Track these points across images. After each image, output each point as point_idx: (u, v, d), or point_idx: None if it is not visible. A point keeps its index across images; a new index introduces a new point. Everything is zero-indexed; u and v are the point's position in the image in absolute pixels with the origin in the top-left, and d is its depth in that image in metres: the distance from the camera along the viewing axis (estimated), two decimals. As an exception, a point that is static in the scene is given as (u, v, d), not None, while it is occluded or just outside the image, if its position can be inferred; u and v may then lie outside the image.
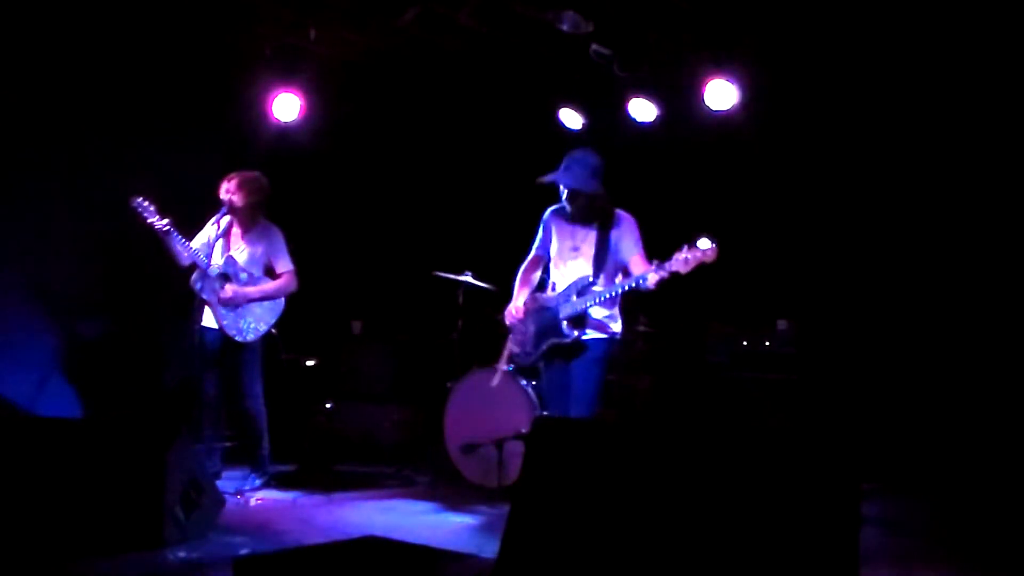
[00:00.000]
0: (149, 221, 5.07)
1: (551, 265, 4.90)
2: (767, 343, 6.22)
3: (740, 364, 6.25)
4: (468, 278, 6.13)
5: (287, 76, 6.12)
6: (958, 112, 5.82)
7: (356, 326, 7.07)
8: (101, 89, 6.11)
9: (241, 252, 5.36)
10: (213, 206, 5.27)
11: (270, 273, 5.43)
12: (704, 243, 4.15)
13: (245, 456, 5.48)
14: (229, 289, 5.20)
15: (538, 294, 4.90)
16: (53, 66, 5.85)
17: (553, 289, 4.83)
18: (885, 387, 5.98)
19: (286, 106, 6.16)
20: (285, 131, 6.39)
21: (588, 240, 4.70)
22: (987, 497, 5.28)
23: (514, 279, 4.99)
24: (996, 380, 5.67)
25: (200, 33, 6.26)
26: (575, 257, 4.72)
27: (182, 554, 3.79)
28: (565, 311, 4.62)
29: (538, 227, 4.95)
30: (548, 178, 4.70)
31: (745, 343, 6.28)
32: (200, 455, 4.51)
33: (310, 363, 6.82)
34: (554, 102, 6.65)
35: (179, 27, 6.15)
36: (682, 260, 4.17)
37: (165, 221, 5.09)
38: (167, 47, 6.32)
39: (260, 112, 6.27)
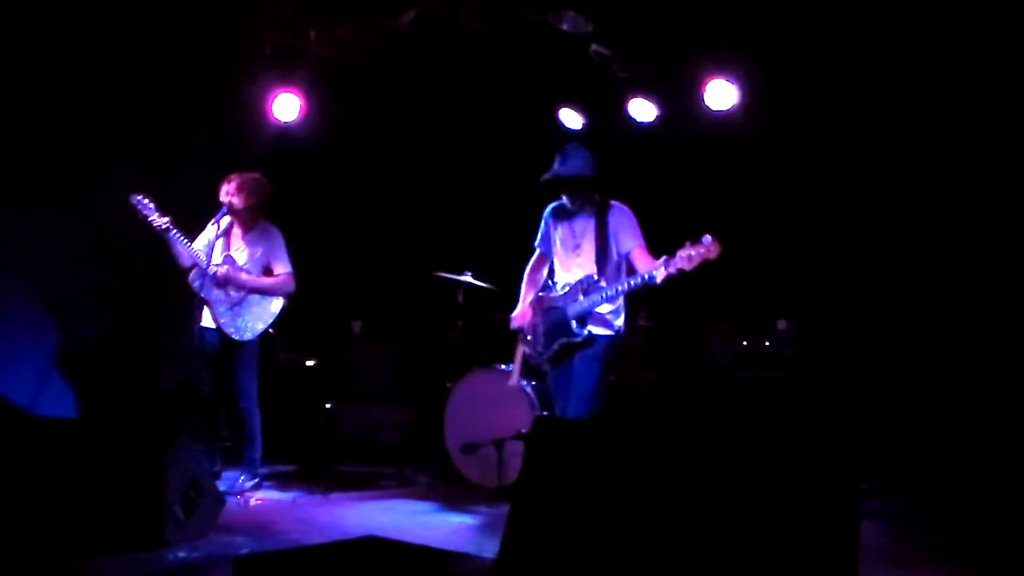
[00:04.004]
0: (149, 219, 5.08)
1: (554, 263, 4.93)
2: (767, 343, 6.22)
3: (740, 364, 6.25)
4: (468, 278, 6.13)
5: (287, 76, 6.12)
6: (958, 112, 5.82)
7: (356, 326, 7.06)
8: (100, 89, 6.10)
9: (240, 252, 5.36)
10: (213, 206, 5.27)
11: (269, 274, 5.43)
12: (706, 239, 4.17)
13: (238, 457, 5.48)
14: (223, 269, 5.19)
15: (543, 294, 4.91)
16: (52, 66, 5.84)
17: (554, 288, 4.84)
18: (885, 387, 5.98)
19: (286, 106, 6.16)
20: (285, 131, 6.39)
21: (588, 236, 4.72)
22: (987, 497, 5.28)
23: (520, 280, 5.02)
24: (996, 379, 5.66)
25: (200, 33, 6.26)
26: (577, 254, 4.76)
27: (182, 554, 3.78)
28: (574, 310, 4.63)
29: (539, 225, 4.99)
30: (550, 174, 4.76)
31: (745, 343, 6.28)
32: (200, 455, 4.51)
33: (310, 363, 6.82)
34: (554, 102, 6.65)
35: (179, 27, 6.15)
36: (685, 257, 4.19)
37: (165, 220, 5.10)
38: (167, 47, 6.32)
39: (260, 112, 6.27)
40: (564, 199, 4.83)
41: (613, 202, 4.77)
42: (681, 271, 4.22)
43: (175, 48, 6.36)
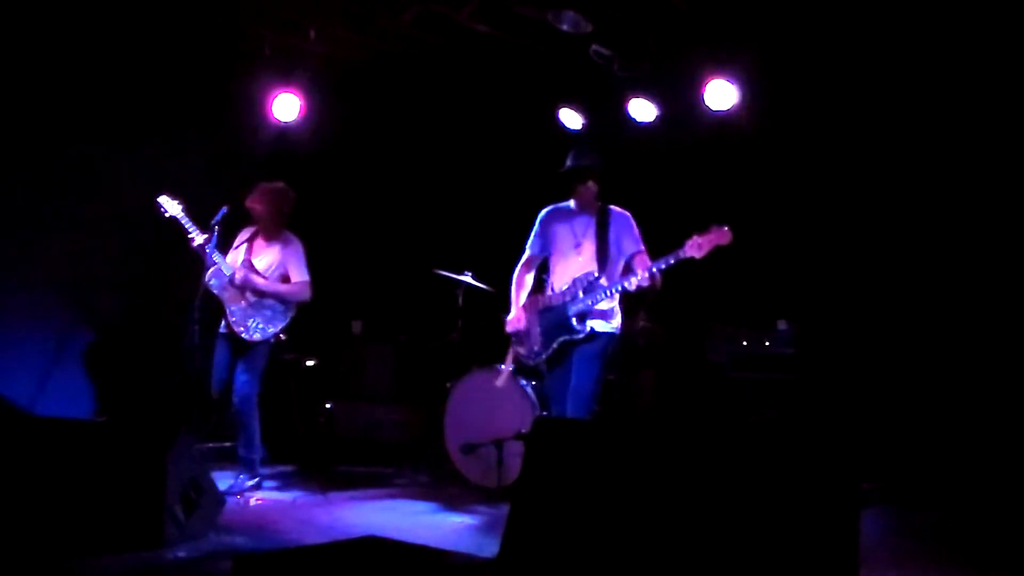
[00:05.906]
0: (188, 236, 5.19)
1: (551, 264, 4.93)
2: (767, 343, 6.22)
3: (740, 364, 6.25)
4: (468, 278, 6.13)
5: (287, 76, 6.13)
6: (958, 112, 5.81)
7: (356, 326, 7.06)
8: (100, 90, 6.11)
9: (260, 260, 5.44)
10: (214, 205, 5.28)
11: (286, 282, 5.46)
12: (718, 226, 4.27)
13: (237, 457, 5.47)
14: (240, 273, 5.25)
15: (540, 295, 4.92)
16: (53, 68, 5.84)
17: (553, 289, 4.84)
18: (885, 387, 5.98)
19: (286, 106, 6.16)
20: (285, 131, 6.39)
21: (589, 236, 4.77)
22: (988, 497, 5.28)
23: (510, 283, 5.02)
24: (996, 379, 5.66)
25: (200, 33, 6.26)
26: (578, 253, 4.78)
27: (182, 554, 3.78)
28: (574, 308, 4.65)
29: (532, 227, 4.99)
30: (566, 167, 4.82)
31: (745, 343, 6.28)
32: (200, 455, 4.51)
33: (310, 363, 6.82)
34: (554, 102, 6.65)
35: (179, 27, 6.15)
36: (696, 244, 4.28)
37: (204, 236, 5.16)
38: (167, 47, 6.33)
39: (260, 112, 6.27)
40: (567, 202, 4.87)
41: (613, 207, 4.84)
42: (692, 259, 4.30)
43: (175, 48, 6.36)
